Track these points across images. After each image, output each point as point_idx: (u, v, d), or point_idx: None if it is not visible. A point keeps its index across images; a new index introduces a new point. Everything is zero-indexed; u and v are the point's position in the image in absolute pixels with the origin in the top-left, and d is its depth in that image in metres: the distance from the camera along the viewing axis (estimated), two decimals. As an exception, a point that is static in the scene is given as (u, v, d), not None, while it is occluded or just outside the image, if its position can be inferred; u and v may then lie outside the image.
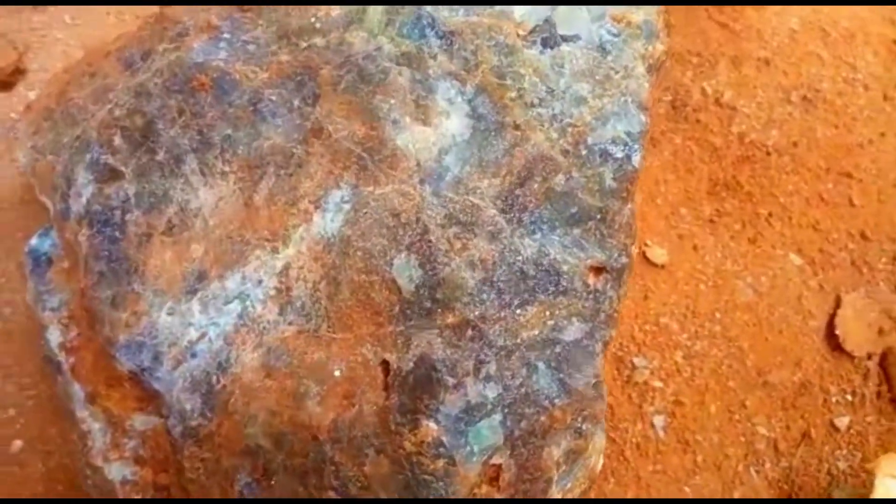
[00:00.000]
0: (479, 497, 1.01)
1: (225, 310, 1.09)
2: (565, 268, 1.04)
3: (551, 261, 1.04)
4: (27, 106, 1.51)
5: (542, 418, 1.02)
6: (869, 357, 1.54)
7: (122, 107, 1.12)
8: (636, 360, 1.54)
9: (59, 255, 1.32)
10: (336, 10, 1.12)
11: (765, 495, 1.48)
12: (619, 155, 1.08)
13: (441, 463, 0.96)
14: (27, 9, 1.83)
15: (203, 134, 1.09)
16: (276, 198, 1.08)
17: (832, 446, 1.49)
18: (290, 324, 1.07)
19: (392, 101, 1.05)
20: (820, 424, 1.52)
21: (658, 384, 1.55)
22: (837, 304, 1.58)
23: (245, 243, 1.08)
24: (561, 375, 1.03)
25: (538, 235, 1.05)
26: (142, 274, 1.11)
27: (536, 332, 1.02)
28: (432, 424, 0.97)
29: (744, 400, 1.54)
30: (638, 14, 1.15)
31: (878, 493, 1.29)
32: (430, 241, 1.00)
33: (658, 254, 1.60)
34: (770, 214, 1.65)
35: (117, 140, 1.12)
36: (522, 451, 1.02)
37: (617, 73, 1.10)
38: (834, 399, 1.54)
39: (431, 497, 0.96)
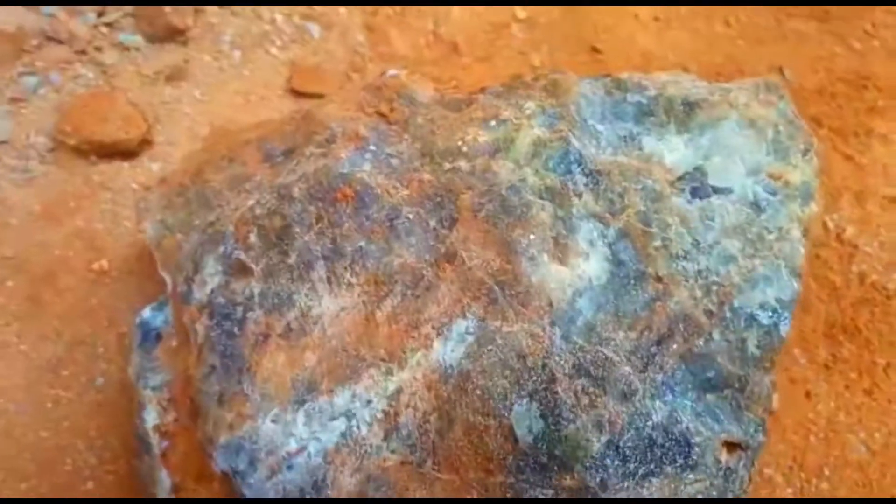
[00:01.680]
0: None
1: (329, 426, 1.09)
2: (697, 439, 0.98)
3: (682, 430, 0.98)
4: (161, 179, 1.61)
5: None
6: (975, 536, 1.41)
7: (263, 206, 1.17)
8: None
9: (169, 333, 1.37)
10: (483, 137, 1.15)
11: None
12: (766, 322, 1.04)
13: None
14: (161, 81, 1.95)
15: (336, 243, 1.12)
16: (399, 317, 1.08)
17: None
18: (393, 451, 1.05)
19: (532, 237, 1.05)
20: None
21: (757, 546, 1.46)
22: (951, 470, 1.46)
23: (360, 359, 1.09)
24: (681, 559, 0.96)
25: (669, 398, 1.00)
26: (253, 375, 1.13)
27: (658, 508, 0.96)
28: None
29: (844, 572, 1.43)
30: (795, 174, 1.12)
31: None
32: (556, 392, 0.97)
33: (769, 398, 1.54)
34: (888, 365, 1.57)
35: (253, 238, 1.17)
36: None
37: (770, 233, 1.07)
38: (938, 581, 1.41)
39: None
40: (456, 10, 1.97)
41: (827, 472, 1.50)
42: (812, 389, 1.57)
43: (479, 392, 1.00)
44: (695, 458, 0.98)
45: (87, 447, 1.62)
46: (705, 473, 0.98)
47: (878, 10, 1.83)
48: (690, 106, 1.15)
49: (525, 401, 0.99)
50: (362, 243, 1.12)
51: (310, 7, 2.03)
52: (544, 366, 1.00)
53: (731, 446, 1.00)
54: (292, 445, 1.09)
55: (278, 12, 2.03)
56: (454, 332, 1.05)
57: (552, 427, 0.97)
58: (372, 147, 1.20)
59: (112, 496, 1.59)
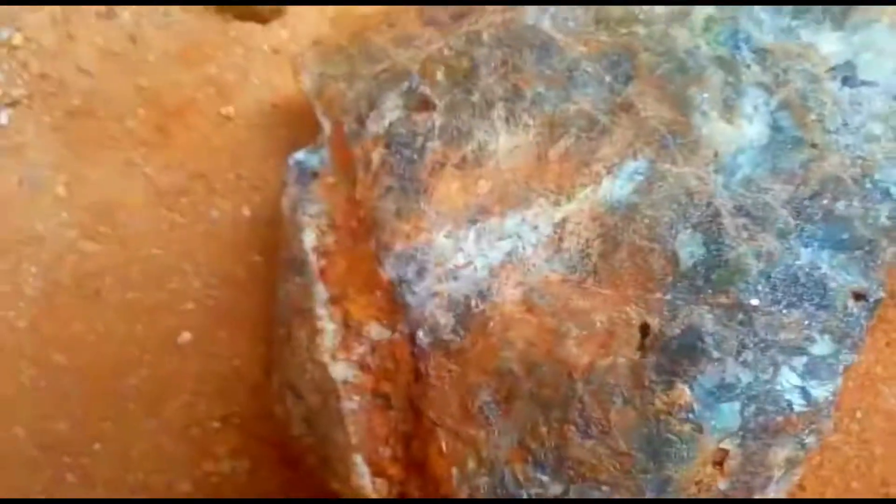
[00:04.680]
0: (703, 478, 1.11)
1: (497, 245, 1.25)
2: (832, 285, 1.15)
3: (821, 275, 1.15)
4: (314, 41, 1.76)
5: (779, 419, 1.11)
6: None
7: (451, 48, 1.32)
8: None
9: (325, 171, 1.53)
10: (659, 8, 1.30)
11: None
12: (901, 196, 1.19)
13: (688, 427, 1.07)
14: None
15: (517, 87, 1.28)
16: (571, 156, 1.24)
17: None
18: (553, 271, 1.22)
19: (705, 95, 1.21)
20: (929, 549, 1.54)
21: (786, 461, 1.62)
22: (975, 434, 1.62)
23: (530, 190, 1.25)
24: (804, 384, 1.13)
25: (812, 248, 1.16)
26: (429, 196, 1.29)
27: (793, 337, 1.13)
28: (687, 390, 1.08)
29: (862, 503, 1.58)
30: (939, 77, 1.27)
31: None
32: (721, 223, 1.13)
33: (816, 341, 1.70)
34: None
35: (440, 75, 1.32)
36: (751, 444, 1.11)
37: (912, 123, 1.23)
38: (949, 528, 1.56)
39: (673, 455, 1.06)
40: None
41: (859, 415, 1.67)
42: (855, 343, 1.72)
43: (646, 221, 1.17)
44: (828, 300, 1.14)
45: (194, 271, 1.78)
46: (834, 315, 1.14)
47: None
48: (846, 6, 1.30)
49: (689, 230, 1.15)
50: (541, 89, 1.28)
51: None
52: (709, 204, 1.16)
53: (858, 296, 1.16)
54: (460, 260, 1.26)
55: None
56: (624, 171, 1.21)
57: (714, 253, 1.13)
58: (551, 10, 1.35)
59: (208, 320, 1.75)
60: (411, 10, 1.63)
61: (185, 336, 1.74)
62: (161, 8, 1.97)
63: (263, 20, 2.03)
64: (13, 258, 1.73)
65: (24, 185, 1.79)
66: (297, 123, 1.91)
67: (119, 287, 1.73)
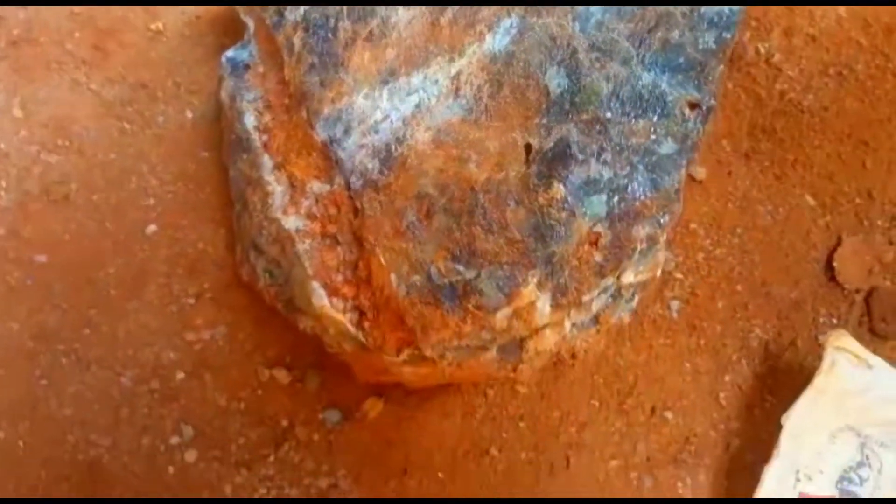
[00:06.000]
0: (582, 254, 1.47)
1: (406, 100, 1.55)
2: (670, 98, 1.50)
3: (661, 91, 1.50)
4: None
5: (636, 204, 1.47)
6: (857, 291, 1.95)
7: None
8: (665, 254, 1.94)
9: (255, 63, 1.80)
10: None
11: (749, 385, 1.88)
12: (721, 25, 1.55)
13: (564, 214, 1.42)
14: None
15: (406, -26, 1.57)
16: (458, 20, 1.54)
17: (814, 357, 1.86)
18: (454, 114, 1.53)
19: (555, -35, 1.52)
20: (807, 337, 1.92)
21: (679, 276, 1.99)
22: (838, 242, 1.99)
23: (429, 52, 1.55)
24: (654, 177, 1.49)
25: (653, 73, 1.51)
26: (346, 66, 1.58)
27: (642, 141, 1.48)
28: (561, 187, 1.43)
29: (747, 303, 1.96)
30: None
31: (825, 365, 1.69)
32: (578, 59, 1.46)
33: (699, 171, 2.08)
34: (795, 160, 2.07)
35: (341, -34, 1.60)
36: (617, 225, 1.47)
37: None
38: (822, 320, 1.94)
39: (554, 236, 1.42)
40: None
41: (739, 231, 2.03)
42: (734, 170, 2.08)
43: (521, 64, 1.49)
44: (668, 110, 1.49)
45: (149, 170, 2.02)
46: (674, 122, 1.50)
47: None
48: None
49: (555, 67, 1.48)
50: (427, -25, 1.57)
51: None
52: (569, 45, 1.48)
53: (692, 105, 1.52)
54: (378, 115, 1.56)
55: None
56: (501, 27, 1.53)
57: (574, 81, 1.46)
58: None
59: (169, 211, 1.99)
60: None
61: (152, 227, 2.00)
62: (78, -63, 2.16)
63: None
64: (-18, 176, 1.96)
65: (-18, 111, 2.00)
66: (220, 31, 2.15)
67: (84, 190, 1.98)
